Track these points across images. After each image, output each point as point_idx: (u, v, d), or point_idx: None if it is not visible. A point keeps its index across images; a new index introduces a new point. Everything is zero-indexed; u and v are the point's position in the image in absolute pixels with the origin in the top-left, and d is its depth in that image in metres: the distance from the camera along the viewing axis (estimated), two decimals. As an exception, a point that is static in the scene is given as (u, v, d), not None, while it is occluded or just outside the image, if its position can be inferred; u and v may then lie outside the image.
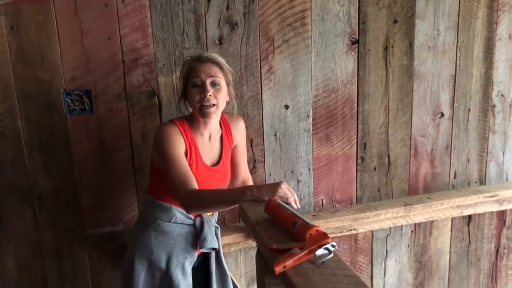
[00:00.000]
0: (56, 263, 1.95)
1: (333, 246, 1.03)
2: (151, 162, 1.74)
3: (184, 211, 1.68)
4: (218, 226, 1.83)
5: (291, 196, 1.41)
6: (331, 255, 1.02)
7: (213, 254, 1.76)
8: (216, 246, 1.71)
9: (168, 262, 1.66)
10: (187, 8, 1.86)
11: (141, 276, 1.67)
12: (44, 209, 1.89)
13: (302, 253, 1.02)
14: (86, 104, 1.84)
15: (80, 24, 1.76)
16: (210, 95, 1.60)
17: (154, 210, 1.70)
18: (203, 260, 1.78)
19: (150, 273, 1.68)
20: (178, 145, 1.61)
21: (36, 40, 1.74)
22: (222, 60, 1.66)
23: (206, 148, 1.72)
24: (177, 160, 1.57)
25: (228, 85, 1.67)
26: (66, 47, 1.77)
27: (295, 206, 1.40)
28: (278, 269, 1.00)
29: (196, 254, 1.72)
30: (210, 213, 1.79)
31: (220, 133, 1.77)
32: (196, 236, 1.70)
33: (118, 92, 1.86)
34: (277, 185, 1.42)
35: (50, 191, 1.88)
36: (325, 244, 1.02)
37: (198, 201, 1.53)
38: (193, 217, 1.72)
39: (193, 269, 1.72)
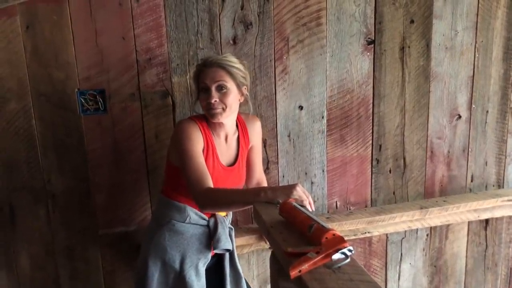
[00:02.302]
0: (68, 263, 1.95)
1: (350, 250, 1.00)
2: (167, 160, 1.73)
3: (198, 212, 1.67)
4: (232, 227, 1.82)
5: (306, 198, 1.39)
6: (348, 259, 1.00)
7: (227, 255, 1.75)
8: (230, 247, 1.70)
9: (182, 263, 1.65)
10: (201, 7, 1.85)
11: (155, 276, 1.66)
12: (58, 208, 1.89)
13: (318, 258, 0.99)
14: (100, 103, 1.84)
15: (95, 24, 1.76)
16: (215, 101, 1.60)
17: (169, 210, 1.69)
18: (217, 261, 1.77)
19: (164, 273, 1.67)
20: (197, 142, 1.61)
21: (51, 40, 1.74)
22: (229, 63, 1.62)
23: (223, 148, 1.71)
24: (195, 157, 1.57)
25: (239, 86, 1.65)
26: (80, 46, 1.77)
27: (310, 209, 1.37)
28: (294, 273, 0.98)
29: (209, 255, 1.70)
30: (225, 214, 1.77)
31: (236, 134, 1.76)
32: (210, 237, 1.69)
33: (132, 92, 1.85)
34: (292, 187, 1.40)
35: (63, 190, 1.88)
36: (341, 249, 1.00)
37: (212, 200, 1.52)
38: (207, 218, 1.71)
39: (206, 270, 1.70)
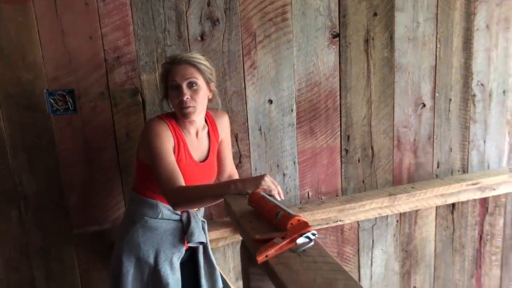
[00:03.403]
0: (43, 264, 1.95)
1: (313, 234, 1.05)
2: (137, 159, 1.75)
3: (171, 207, 1.70)
4: (205, 220, 1.85)
5: (275, 188, 1.43)
6: (312, 243, 1.04)
7: (200, 248, 1.78)
8: (204, 240, 1.73)
9: (156, 258, 1.68)
10: (168, 5, 1.87)
11: (130, 272, 1.68)
12: (30, 209, 1.89)
13: (284, 242, 1.04)
14: (69, 103, 1.84)
15: (61, 24, 1.76)
16: (187, 98, 1.61)
17: (141, 207, 1.71)
18: (191, 254, 1.80)
19: (139, 269, 1.69)
20: (167, 141, 1.63)
21: (17, 41, 1.73)
22: (197, 59, 1.65)
23: (194, 144, 1.74)
24: (165, 156, 1.59)
25: (208, 83, 1.68)
26: (47, 47, 1.77)
27: (278, 198, 1.42)
28: (261, 258, 1.02)
29: (184, 249, 1.73)
30: (197, 208, 1.80)
31: (206, 129, 1.79)
32: (184, 231, 1.72)
33: (101, 91, 1.86)
34: (260, 177, 1.44)
35: (35, 191, 1.88)
36: (306, 233, 1.05)
37: (184, 198, 1.55)
38: (179, 213, 1.74)
39: (181, 264, 1.73)
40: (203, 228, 1.79)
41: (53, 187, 1.89)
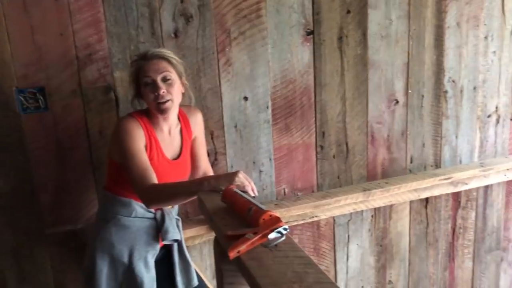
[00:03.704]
0: (15, 264, 1.92)
1: (285, 229, 1.06)
2: (108, 157, 1.73)
3: (144, 205, 1.69)
4: (179, 218, 1.84)
5: (248, 184, 1.44)
6: (283, 238, 1.05)
7: (175, 246, 1.78)
8: (178, 238, 1.73)
9: (130, 256, 1.66)
10: (140, 2, 1.85)
11: (103, 271, 1.67)
12: (1, 209, 1.85)
13: (256, 238, 1.05)
14: (40, 101, 1.81)
15: (30, 20, 1.73)
16: (163, 92, 1.60)
17: (114, 206, 1.70)
18: (166, 252, 1.79)
19: (113, 268, 1.67)
20: (139, 139, 1.61)
21: (-16, 38, 1.70)
22: (169, 54, 1.66)
23: (166, 142, 1.72)
24: (137, 155, 1.58)
25: (180, 77, 1.68)
26: (16, 44, 1.73)
27: (252, 194, 1.42)
28: (232, 254, 1.03)
29: (158, 247, 1.72)
30: (171, 206, 1.79)
31: (179, 126, 1.78)
32: (158, 229, 1.71)
33: (73, 88, 1.83)
34: (234, 174, 1.45)
35: (6, 191, 1.84)
36: (277, 228, 1.06)
37: (157, 196, 1.55)
38: (153, 211, 1.72)
39: (156, 262, 1.72)
40: (178, 226, 1.79)
41: (24, 186, 1.86)
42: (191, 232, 2.03)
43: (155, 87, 1.61)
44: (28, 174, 1.85)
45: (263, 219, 1.09)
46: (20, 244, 1.91)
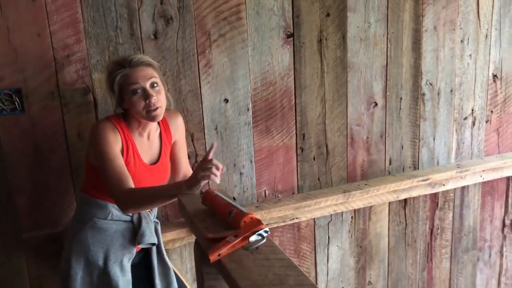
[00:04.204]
0: (-9, 270, 1.88)
1: (266, 232, 1.06)
2: (86, 160, 1.71)
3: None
4: (158, 221, 1.83)
5: (221, 165, 1.37)
6: (264, 240, 1.05)
7: (154, 249, 1.76)
8: (155, 241, 1.71)
9: (106, 260, 1.65)
10: (119, 2, 1.83)
11: (79, 275, 1.65)
12: (-25, 214, 1.81)
13: (237, 240, 1.05)
14: (16, 103, 1.78)
15: (6, 21, 1.70)
16: (155, 99, 1.58)
17: (90, 208, 1.68)
18: (144, 256, 1.77)
19: (88, 271, 1.65)
20: (115, 143, 1.59)
21: (-42, 38, 1.66)
22: (150, 59, 1.65)
23: (145, 146, 1.71)
24: (113, 159, 1.56)
25: (162, 82, 1.67)
26: (-9, 44, 1.70)
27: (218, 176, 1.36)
28: (213, 257, 1.02)
29: (134, 250, 1.71)
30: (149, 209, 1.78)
31: (158, 130, 1.76)
32: (134, 232, 1.69)
33: (51, 90, 1.80)
34: (206, 161, 1.37)
35: (-20, 195, 1.80)
36: (258, 230, 1.06)
37: (134, 200, 1.54)
38: (130, 214, 1.71)
39: (134, 265, 1.71)
40: (156, 229, 1.77)
41: (0, 190, 1.82)
42: (172, 235, 2.02)
43: (145, 94, 1.57)
44: (4, 177, 1.81)
45: (244, 221, 1.09)
46: (-5, 250, 1.87)
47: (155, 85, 1.61)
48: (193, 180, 1.38)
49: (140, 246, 1.70)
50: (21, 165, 1.83)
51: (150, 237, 1.67)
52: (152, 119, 1.61)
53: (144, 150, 1.70)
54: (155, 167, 1.72)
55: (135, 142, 1.67)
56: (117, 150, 1.59)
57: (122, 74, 1.59)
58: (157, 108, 1.59)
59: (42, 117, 1.82)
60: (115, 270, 1.64)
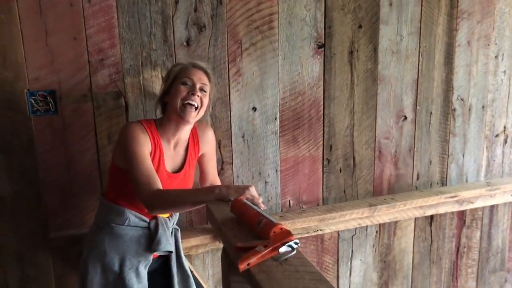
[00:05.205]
0: (18, 268, 1.90)
1: (296, 243, 1.05)
2: (112, 163, 1.72)
3: (138, 214, 1.67)
4: (178, 228, 1.82)
5: (258, 198, 1.42)
6: (294, 252, 1.04)
7: (173, 256, 1.75)
8: (171, 249, 1.69)
9: (121, 265, 1.64)
10: (154, 9, 1.86)
11: (95, 279, 1.65)
12: (6, 212, 1.84)
13: (266, 251, 1.04)
14: (50, 104, 1.81)
15: (45, 24, 1.74)
16: (198, 95, 1.63)
17: (108, 213, 1.69)
18: (164, 263, 1.76)
19: (104, 276, 1.65)
20: (144, 144, 1.60)
21: (-2, 39, 1.70)
22: (211, 71, 1.74)
23: (170, 153, 1.71)
24: (142, 159, 1.56)
25: (210, 99, 1.72)
26: (30, 46, 1.74)
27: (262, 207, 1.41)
28: (242, 266, 1.01)
29: (151, 257, 1.69)
30: (168, 215, 1.77)
31: (187, 142, 1.77)
32: (151, 239, 1.68)
33: (84, 93, 1.84)
34: (245, 187, 1.44)
35: (11, 193, 1.83)
36: (288, 242, 1.05)
37: (162, 201, 1.52)
38: (148, 220, 1.70)
39: (153, 272, 1.71)
40: (175, 236, 1.77)
41: (30, 189, 1.85)
42: (195, 241, 2.02)
43: (192, 88, 1.64)
44: (34, 176, 1.84)
45: (274, 232, 1.08)
46: (23, 248, 1.89)
47: (204, 91, 1.67)
48: (223, 196, 1.44)
49: (156, 254, 1.70)
50: (51, 165, 1.86)
51: (166, 245, 1.66)
52: (184, 116, 1.62)
53: (169, 157, 1.70)
54: (176, 176, 1.72)
55: (162, 147, 1.68)
56: (147, 152, 1.60)
57: (182, 66, 1.69)
58: (193, 106, 1.62)
59: (74, 119, 1.85)
60: (130, 276, 1.63)
